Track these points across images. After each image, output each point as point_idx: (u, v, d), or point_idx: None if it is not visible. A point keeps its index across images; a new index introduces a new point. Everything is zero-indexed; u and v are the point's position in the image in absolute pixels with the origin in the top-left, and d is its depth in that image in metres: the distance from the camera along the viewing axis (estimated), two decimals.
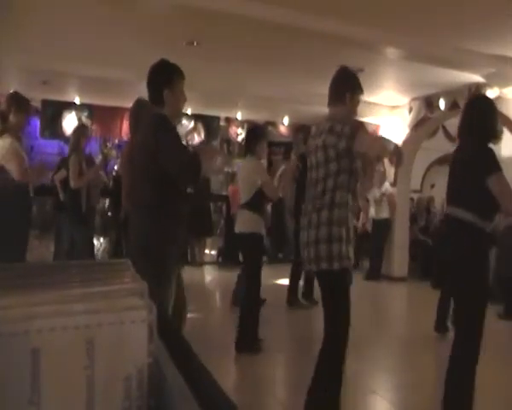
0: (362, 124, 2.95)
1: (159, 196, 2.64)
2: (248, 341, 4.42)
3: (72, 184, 5.40)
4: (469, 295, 2.93)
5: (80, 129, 6.11)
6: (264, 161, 4.93)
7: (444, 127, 9.39)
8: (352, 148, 2.73)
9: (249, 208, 4.44)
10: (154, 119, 2.71)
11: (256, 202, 4.44)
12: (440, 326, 5.25)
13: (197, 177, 2.70)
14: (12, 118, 4.08)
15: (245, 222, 4.47)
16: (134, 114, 3.90)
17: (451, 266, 3.09)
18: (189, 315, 5.24)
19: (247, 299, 4.47)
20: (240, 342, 4.41)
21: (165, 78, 2.77)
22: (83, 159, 5.67)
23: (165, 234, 2.66)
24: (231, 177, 9.81)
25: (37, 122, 9.29)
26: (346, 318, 2.83)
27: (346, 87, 3.02)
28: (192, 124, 10.19)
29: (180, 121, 9.55)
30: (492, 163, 2.86)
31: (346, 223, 2.77)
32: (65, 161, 7.26)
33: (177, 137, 2.70)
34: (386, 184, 8.80)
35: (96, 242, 7.69)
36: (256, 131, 4.83)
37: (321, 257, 2.73)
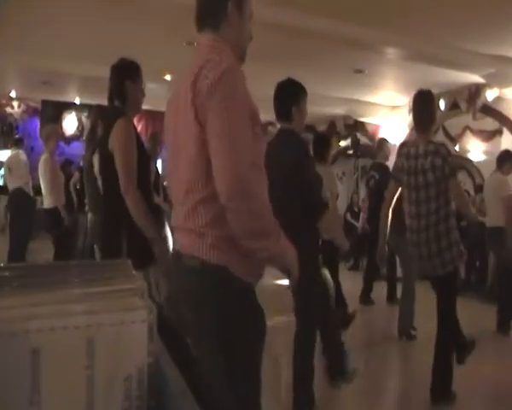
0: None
1: None
2: None
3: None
4: None
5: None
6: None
7: (444, 127, 9.39)
8: None
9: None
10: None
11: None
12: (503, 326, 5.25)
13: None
14: None
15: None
16: None
17: None
18: None
19: None
20: None
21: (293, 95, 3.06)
22: None
23: None
24: None
25: (37, 122, 9.29)
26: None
27: (434, 108, 3.42)
28: None
29: None
30: None
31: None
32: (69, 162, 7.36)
33: None
34: None
35: None
36: (324, 139, 4.84)
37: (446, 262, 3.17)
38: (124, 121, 2.53)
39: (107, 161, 2.56)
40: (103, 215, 2.72)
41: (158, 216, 5.76)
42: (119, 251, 2.44)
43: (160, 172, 7.85)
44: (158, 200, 5.89)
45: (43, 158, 5.89)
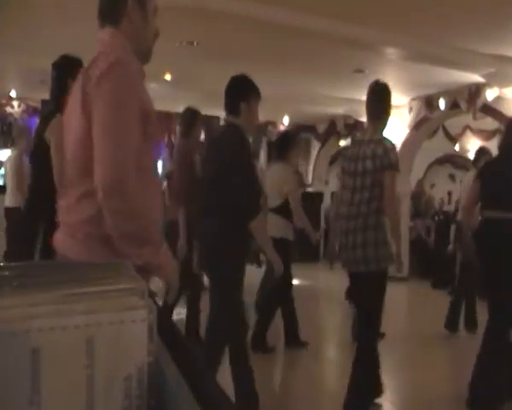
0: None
1: None
2: (260, 342, 4.46)
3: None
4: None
5: None
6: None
7: (444, 127, 9.40)
8: None
9: (278, 213, 4.42)
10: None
11: (286, 208, 4.43)
12: (452, 325, 5.26)
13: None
14: None
15: (272, 227, 4.33)
16: None
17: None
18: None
19: (272, 301, 4.60)
20: (254, 341, 4.42)
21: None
22: None
23: None
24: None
25: (37, 122, 9.29)
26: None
27: (387, 103, 3.28)
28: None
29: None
30: None
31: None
32: None
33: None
34: None
35: None
36: (288, 138, 4.80)
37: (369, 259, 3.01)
38: (59, 119, 2.51)
39: (41, 155, 2.60)
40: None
41: None
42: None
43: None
44: None
45: (11, 155, 5.93)
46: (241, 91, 2.96)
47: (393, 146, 3.11)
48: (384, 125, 3.30)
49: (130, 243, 1.33)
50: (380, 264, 3.02)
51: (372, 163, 3.04)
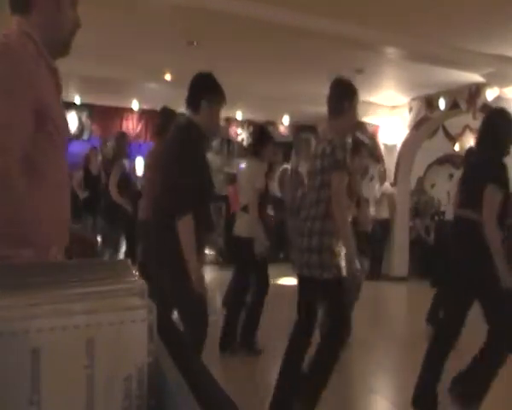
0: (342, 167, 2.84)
1: None
2: (231, 342, 4.42)
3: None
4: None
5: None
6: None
7: (444, 127, 9.40)
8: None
9: (248, 212, 4.33)
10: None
11: (259, 206, 4.33)
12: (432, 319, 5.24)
13: None
14: None
15: (244, 226, 4.36)
16: None
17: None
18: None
19: (234, 301, 4.56)
20: (223, 341, 4.40)
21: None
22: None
23: None
24: (231, 177, 9.81)
25: None
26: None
27: (345, 97, 3.03)
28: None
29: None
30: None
31: (336, 233, 2.83)
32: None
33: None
34: (386, 184, 8.81)
35: None
36: (263, 134, 4.68)
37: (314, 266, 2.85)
38: None
39: None
40: None
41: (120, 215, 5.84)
42: None
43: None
44: (120, 199, 5.90)
45: None
46: (203, 88, 2.80)
47: (344, 144, 2.84)
48: (343, 124, 3.00)
49: (8, 242, 1.22)
50: (322, 272, 2.81)
51: (321, 162, 2.88)
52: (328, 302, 3.06)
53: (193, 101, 2.77)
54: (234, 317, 4.47)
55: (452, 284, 3.42)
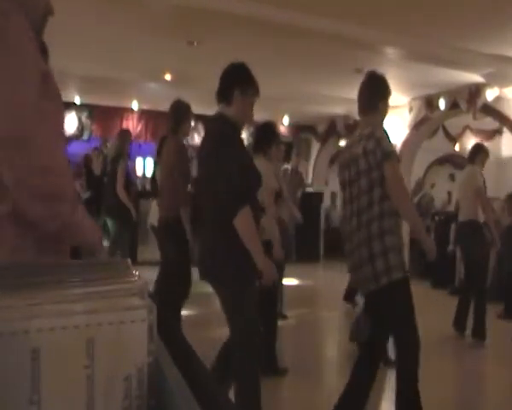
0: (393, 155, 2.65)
1: None
2: None
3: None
4: None
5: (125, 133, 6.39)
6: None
7: (444, 127, 9.40)
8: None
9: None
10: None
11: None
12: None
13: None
14: None
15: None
16: None
17: None
18: (189, 315, 5.23)
19: None
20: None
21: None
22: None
23: None
24: None
25: None
26: None
27: (380, 95, 2.91)
28: (192, 124, 10.17)
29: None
30: None
31: (398, 231, 2.67)
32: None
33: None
34: None
35: None
36: (268, 131, 4.16)
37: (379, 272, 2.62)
38: None
39: None
40: None
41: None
42: None
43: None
44: (127, 201, 5.86)
45: None
46: (237, 79, 2.61)
47: (385, 135, 2.66)
48: (378, 119, 2.85)
49: (43, 201, 1.13)
50: (391, 275, 2.61)
51: (365, 161, 2.64)
52: (392, 308, 2.75)
53: (225, 92, 2.58)
54: (272, 334, 4.00)
55: None
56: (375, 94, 2.89)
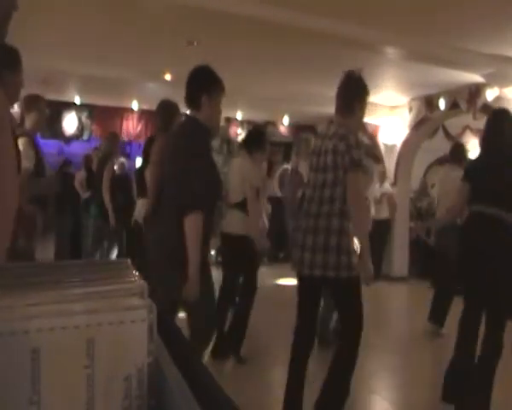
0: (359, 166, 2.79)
1: None
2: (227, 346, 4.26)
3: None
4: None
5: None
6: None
7: (444, 127, 9.39)
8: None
9: (241, 209, 4.18)
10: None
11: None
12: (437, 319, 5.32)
13: None
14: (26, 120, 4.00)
15: (236, 223, 4.21)
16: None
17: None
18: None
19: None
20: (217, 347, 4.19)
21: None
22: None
23: None
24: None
25: None
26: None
27: (356, 95, 2.94)
28: None
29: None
30: None
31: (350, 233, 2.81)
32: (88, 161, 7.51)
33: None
34: (386, 185, 8.80)
35: None
36: (259, 137, 4.53)
37: (329, 265, 2.76)
38: None
39: None
40: None
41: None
42: None
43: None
44: (109, 206, 5.94)
45: None
46: (203, 84, 2.71)
47: (357, 143, 2.79)
48: (355, 121, 2.95)
49: None
50: (339, 272, 2.76)
51: (333, 158, 2.79)
52: (342, 302, 2.96)
53: (193, 98, 2.69)
54: (219, 318, 4.13)
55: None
56: (352, 95, 2.94)
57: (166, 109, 4.26)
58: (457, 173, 4.75)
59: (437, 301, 5.38)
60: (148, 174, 4.38)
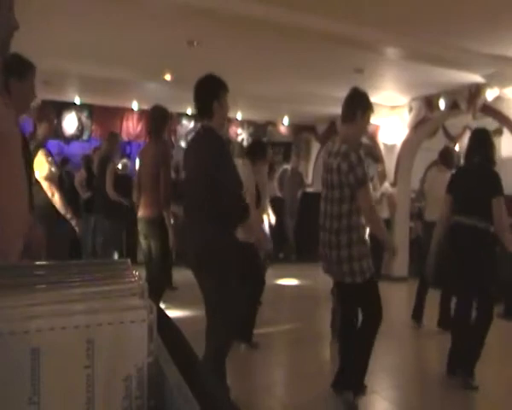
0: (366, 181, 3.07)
1: None
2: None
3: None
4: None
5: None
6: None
7: (444, 127, 9.40)
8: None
9: None
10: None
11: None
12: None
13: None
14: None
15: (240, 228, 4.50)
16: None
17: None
18: (188, 315, 5.24)
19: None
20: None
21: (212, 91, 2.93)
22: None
23: None
24: None
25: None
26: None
27: (358, 106, 3.16)
28: (192, 124, 10.19)
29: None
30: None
31: (363, 240, 3.21)
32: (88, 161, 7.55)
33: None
34: (386, 184, 8.80)
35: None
36: (263, 147, 4.90)
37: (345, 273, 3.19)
38: None
39: None
40: None
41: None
42: None
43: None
44: (116, 197, 6.09)
45: None
46: (211, 91, 2.94)
47: (359, 160, 3.01)
48: (356, 131, 3.18)
49: None
50: (354, 278, 3.15)
51: (338, 178, 3.05)
52: (361, 303, 3.36)
53: (205, 108, 2.91)
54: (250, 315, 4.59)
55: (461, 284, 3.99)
56: (355, 105, 3.16)
57: (159, 115, 4.44)
58: (445, 176, 4.91)
59: (442, 302, 5.41)
60: (142, 174, 4.52)
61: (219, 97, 2.90)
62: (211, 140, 2.87)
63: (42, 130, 4.13)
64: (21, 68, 2.69)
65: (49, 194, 4.04)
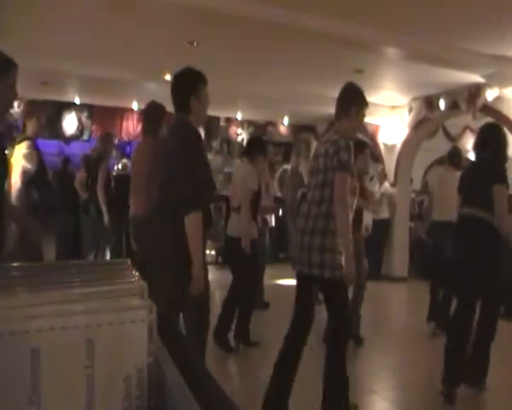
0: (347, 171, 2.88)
1: None
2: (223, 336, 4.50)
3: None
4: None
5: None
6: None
7: (444, 127, 9.39)
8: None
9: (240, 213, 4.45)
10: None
11: (250, 206, 4.45)
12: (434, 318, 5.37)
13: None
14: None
15: (235, 226, 4.50)
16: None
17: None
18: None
19: (232, 298, 4.59)
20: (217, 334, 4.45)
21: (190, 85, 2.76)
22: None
23: None
24: (231, 177, 9.80)
25: None
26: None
27: (352, 101, 3.08)
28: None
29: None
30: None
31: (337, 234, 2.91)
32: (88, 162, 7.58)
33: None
34: (386, 185, 8.80)
35: None
36: (258, 145, 4.79)
37: (314, 264, 2.88)
38: None
39: None
40: None
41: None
42: None
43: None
44: (104, 203, 6.04)
45: None
46: (189, 85, 2.75)
47: (348, 146, 2.86)
48: (349, 126, 3.06)
49: None
50: (323, 271, 2.83)
51: (323, 162, 2.93)
52: (328, 301, 3.06)
53: (182, 103, 2.73)
54: (228, 315, 4.54)
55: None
56: (349, 101, 3.07)
57: (154, 111, 4.31)
58: (454, 176, 4.86)
59: (438, 301, 5.42)
60: (137, 173, 4.48)
61: (197, 92, 2.71)
62: (184, 131, 2.71)
63: (30, 126, 4.07)
64: (1, 65, 2.60)
65: (12, 181, 3.89)
